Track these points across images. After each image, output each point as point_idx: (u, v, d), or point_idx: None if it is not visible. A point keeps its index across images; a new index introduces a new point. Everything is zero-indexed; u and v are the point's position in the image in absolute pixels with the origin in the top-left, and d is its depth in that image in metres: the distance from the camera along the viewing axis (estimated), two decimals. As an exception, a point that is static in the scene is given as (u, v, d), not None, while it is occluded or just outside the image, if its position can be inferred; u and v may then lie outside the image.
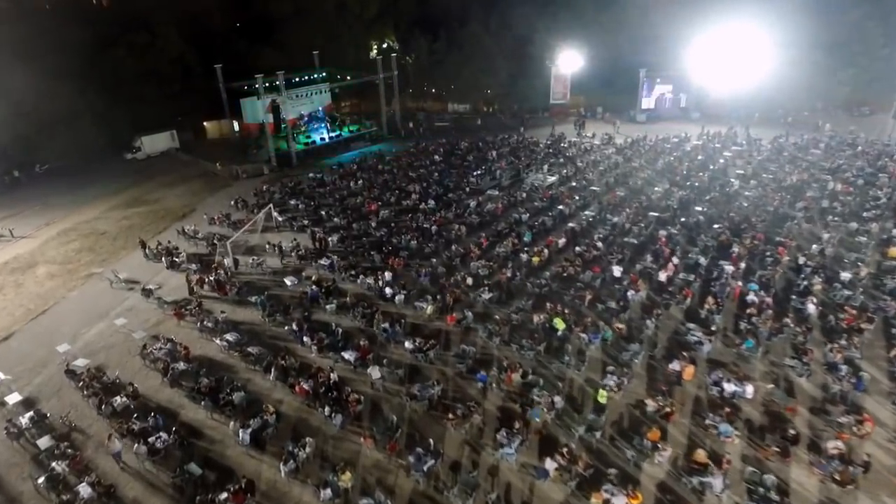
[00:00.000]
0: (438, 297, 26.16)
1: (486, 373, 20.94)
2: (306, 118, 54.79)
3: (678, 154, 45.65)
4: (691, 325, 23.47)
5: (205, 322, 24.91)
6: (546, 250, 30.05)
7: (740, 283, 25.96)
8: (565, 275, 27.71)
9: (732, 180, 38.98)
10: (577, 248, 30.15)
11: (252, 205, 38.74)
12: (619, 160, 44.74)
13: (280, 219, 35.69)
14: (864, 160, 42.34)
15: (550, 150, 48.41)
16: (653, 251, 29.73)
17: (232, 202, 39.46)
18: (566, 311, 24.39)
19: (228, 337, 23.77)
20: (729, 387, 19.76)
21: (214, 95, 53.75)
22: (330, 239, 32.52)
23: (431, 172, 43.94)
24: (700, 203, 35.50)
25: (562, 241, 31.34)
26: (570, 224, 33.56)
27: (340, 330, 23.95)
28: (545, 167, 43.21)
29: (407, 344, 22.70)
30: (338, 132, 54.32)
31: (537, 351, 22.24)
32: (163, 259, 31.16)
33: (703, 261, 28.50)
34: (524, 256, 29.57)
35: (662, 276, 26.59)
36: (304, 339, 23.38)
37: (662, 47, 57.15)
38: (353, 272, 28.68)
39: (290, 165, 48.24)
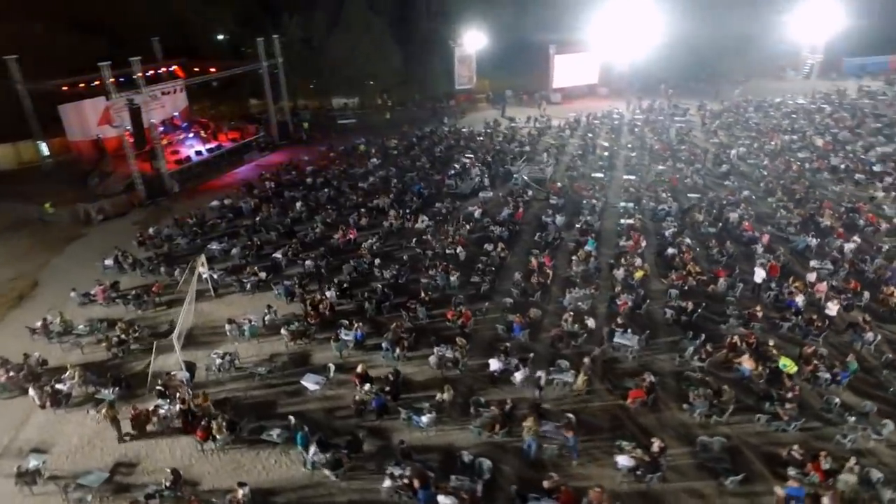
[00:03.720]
0: (565, 360, 17.10)
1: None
2: (161, 128, 39.29)
3: (638, 130, 41.90)
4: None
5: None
6: (639, 259, 22.54)
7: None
8: (699, 288, 20.63)
9: (731, 152, 35.58)
10: (671, 251, 23.23)
11: (153, 260, 24.53)
12: (589, 143, 38.99)
13: (214, 276, 22.57)
14: (806, 118, 43.07)
15: (503, 140, 41.01)
16: (746, 238, 24.25)
17: (108, 261, 24.58)
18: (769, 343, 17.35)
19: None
20: None
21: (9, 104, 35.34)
22: (328, 295, 20.85)
23: (389, 179, 33.36)
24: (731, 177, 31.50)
25: (643, 243, 24.08)
26: (625, 221, 26.46)
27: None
28: (523, 158, 35.54)
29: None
30: (216, 144, 39.95)
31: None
32: (30, 390, 16.62)
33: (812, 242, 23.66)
34: (620, 272, 21.67)
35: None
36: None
37: (569, 22, 53.52)
38: (405, 343, 17.93)
39: (166, 194, 33.37)
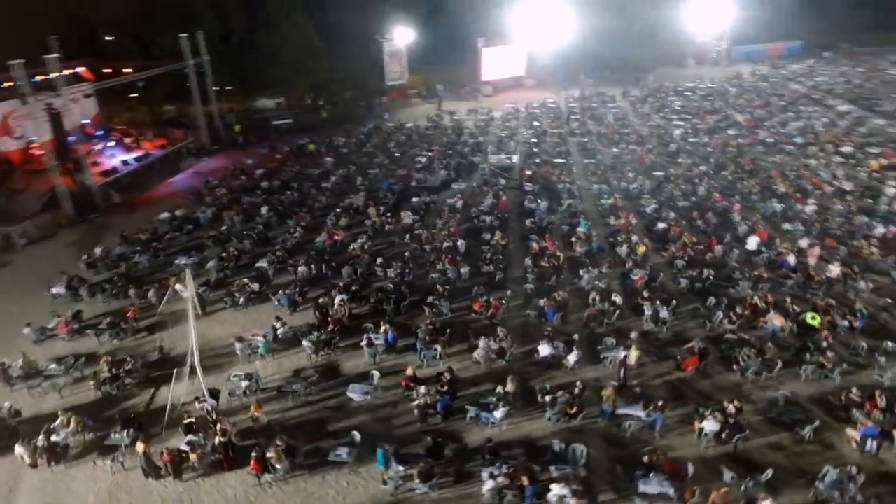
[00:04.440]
0: (610, 338, 17.13)
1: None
2: (71, 137, 34.66)
3: (579, 117, 43.37)
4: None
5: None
6: (636, 237, 23.12)
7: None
8: (698, 258, 21.53)
9: (675, 133, 37.72)
10: (661, 225, 24.08)
11: (115, 283, 21.40)
12: (538, 131, 39.67)
13: (198, 292, 20.11)
14: (721, 100, 46.88)
15: (451, 132, 40.71)
16: (720, 208, 25.74)
17: (57, 289, 21.11)
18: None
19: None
20: None
21: None
22: (337, 300, 19.25)
23: (352, 178, 31.75)
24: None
25: (633, 221, 24.75)
26: (606, 201, 27.09)
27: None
28: (489, 148, 35.42)
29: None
30: (144, 152, 35.88)
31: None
32: (17, 447, 13.71)
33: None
34: (623, 250, 22.11)
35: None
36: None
37: (494, 16, 54.24)
38: (444, 341, 17.01)
39: (97, 210, 29.41)
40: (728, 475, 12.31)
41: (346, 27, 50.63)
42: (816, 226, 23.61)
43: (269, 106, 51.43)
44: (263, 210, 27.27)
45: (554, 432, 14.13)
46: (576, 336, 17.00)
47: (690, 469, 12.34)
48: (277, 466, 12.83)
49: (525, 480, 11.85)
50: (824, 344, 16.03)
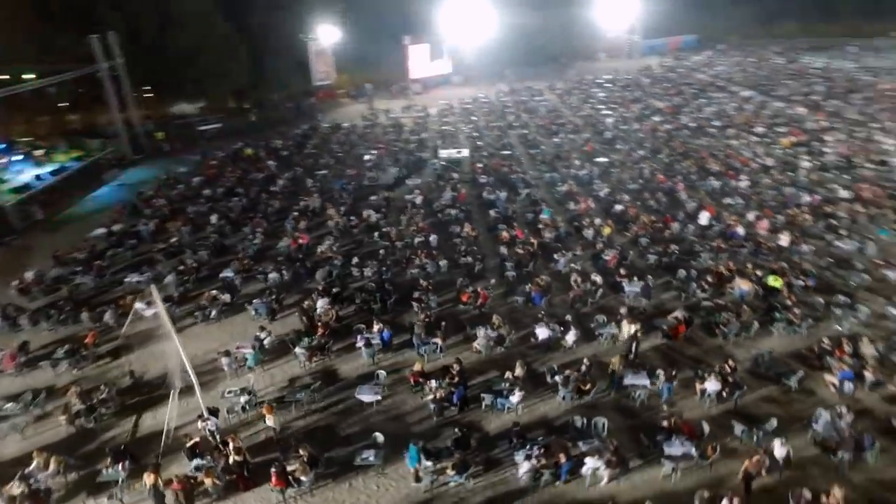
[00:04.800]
0: (602, 315, 17.79)
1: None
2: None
3: (514, 111, 44.54)
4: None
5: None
6: (598, 220, 24.11)
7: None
8: (658, 235, 22.82)
9: (608, 121, 39.66)
10: (618, 207, 25.26)
11: (62, 308, 19.27)
12: (477, 126, 40.28)
13: (161, 308, 18.59)
14: (639, 90, 49.92)
15: (391, 130, 40.40)
16: (666, 188, 27.41)
17: (-8, 320, 18.74)
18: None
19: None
20: None
21: None
22: (319, 304, 18.52)
23: (301, 180, 30.63)
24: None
25: (592, 205, 25.76)
26: (561, 188, 28.02)
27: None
28: (438, 143, 35.42)
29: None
30: (58, 165, 32.54)
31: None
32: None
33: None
34: (590, 232, 23.00)
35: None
36: None
37: (420, 13, 54.29)
38: (442, 334, 16.87)
39: (13, 232, 26.34)
40: (738, 429, 13.19)
41: (268, 27, 48.73)
42: (753, 199, 25.75)
43: (189, 111, 48.36)
44: (213, 218, 25.67)
45: (568, 410, 14.46)
46: (568, 317, 17.47)
47: (706, 428, 13.11)
48: (303, 479, 12.18)
49: (562, 457, 12.06)
50: (788, 302, 17.57)
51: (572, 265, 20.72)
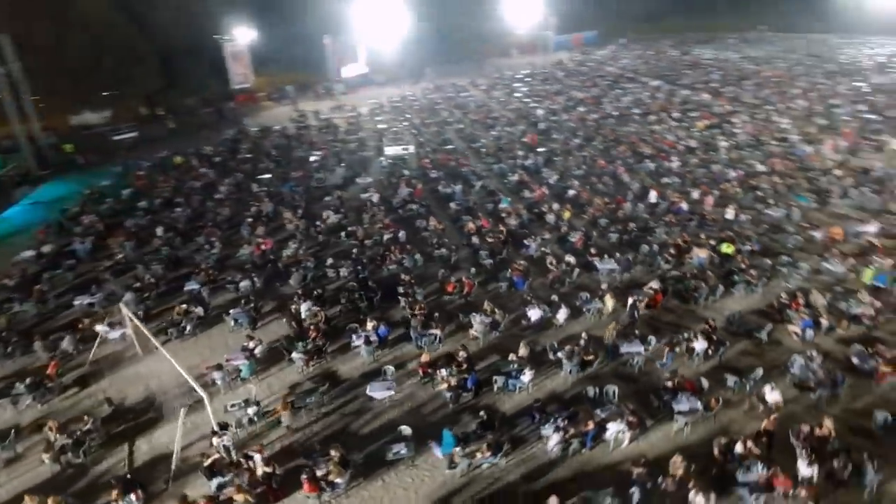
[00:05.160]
0: (585, 292, 18.72)
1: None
2: None
3: (445, 107, 45.13)
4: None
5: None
6: (556, 205, 25.16)
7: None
8: (612, 215, 24.23)
9: (538, 113, 41.26)
10: (571, 192, 26.51)
11: (7, 342, 17.21)
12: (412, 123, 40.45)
13: (119, 330, 17.25)
14: (558, 84, 52.34)
15: (326, 131, 39.57)
16: (609, 172, 29.10)
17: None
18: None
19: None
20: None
21: None
22: (303, 307, 17.95)
23: (244, 186, 29.28)
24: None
25: (546, 191, 26.78)
26: (512, 177, 28.88)
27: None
28: (383, 140, 35.10)
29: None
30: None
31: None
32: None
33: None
34: (551, 217, 23.98)
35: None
36: None
37: (339, 12, 53.44)
38: (440, 325, 16.97)
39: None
40: (731, 380, 14.46)
41: (177, 28, 45.89)
42: (688, 177, 28.00)
43: (94, 121, 44.35)
44: (159, 231, 23.95)
45: (574, 383, 15.14)
46: (554, 297, 18.21)
47: (706, 384, 14.26)
48: (338, 481, 11.88)
49: (590, 424, 12.67)
50: (742, 266, 19.41)
51: (543, 249, 21.53)
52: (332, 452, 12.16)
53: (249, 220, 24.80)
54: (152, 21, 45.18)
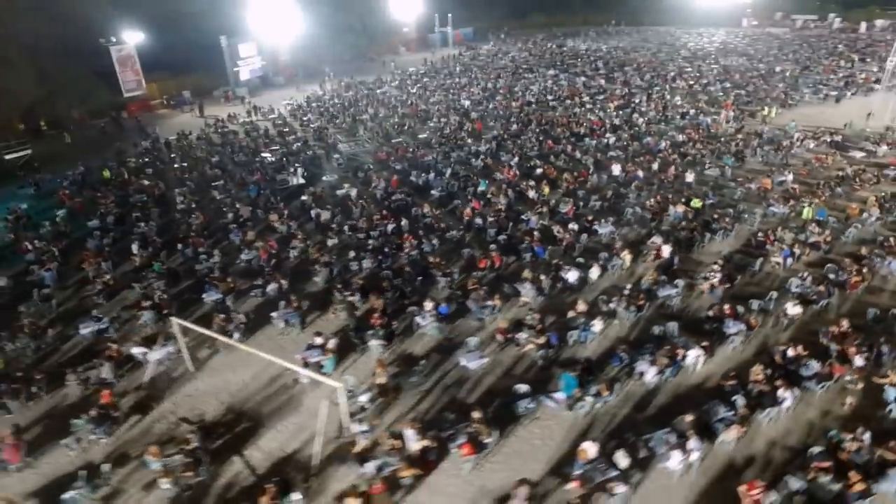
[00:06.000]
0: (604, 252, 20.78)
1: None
2: None
3: (370, 104, 45.20)
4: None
5: None
6: (532, 182, 27.04)
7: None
8: (582, 187, 26.73)
9: (465, 104, 43.02)
10: (538, 171, 28.55)
11: (32, 382, 14.89)
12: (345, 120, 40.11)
13: (163, 349, 15.97)
14: (465, 77, 54.68)
15: (256, 134, 37.79)
16: (559, 151, 31.67)
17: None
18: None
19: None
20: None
21: None
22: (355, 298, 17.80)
23: (202, 193, 27.31)
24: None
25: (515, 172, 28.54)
26: (476, 163, 30.23)
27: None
28: (336, 138, 34.40)
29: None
30: None
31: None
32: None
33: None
34: (533, 193, 25.79)
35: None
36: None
37: (233, 12, 50.55)
38: (496, 295, 17.90)
39: None
40: (755, 304, 17.22)
41: (54, 29, 40.43)
42: (630, 150, 31.44)
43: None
44: (134, 248, 21.75)
45: (631, 326, 17.02)
46: (580, 259, 19.98)
47: (740, 308, 16.84)
48: (488, 440, 12.51)
49: (680, 352, 14.57)
50: (715, 216, 22.75)
51: (541, 222, 23.24)
52: (475, 414, 12.70)
53: (232, 225, 23.43)
54: (20, 22, 39.28)
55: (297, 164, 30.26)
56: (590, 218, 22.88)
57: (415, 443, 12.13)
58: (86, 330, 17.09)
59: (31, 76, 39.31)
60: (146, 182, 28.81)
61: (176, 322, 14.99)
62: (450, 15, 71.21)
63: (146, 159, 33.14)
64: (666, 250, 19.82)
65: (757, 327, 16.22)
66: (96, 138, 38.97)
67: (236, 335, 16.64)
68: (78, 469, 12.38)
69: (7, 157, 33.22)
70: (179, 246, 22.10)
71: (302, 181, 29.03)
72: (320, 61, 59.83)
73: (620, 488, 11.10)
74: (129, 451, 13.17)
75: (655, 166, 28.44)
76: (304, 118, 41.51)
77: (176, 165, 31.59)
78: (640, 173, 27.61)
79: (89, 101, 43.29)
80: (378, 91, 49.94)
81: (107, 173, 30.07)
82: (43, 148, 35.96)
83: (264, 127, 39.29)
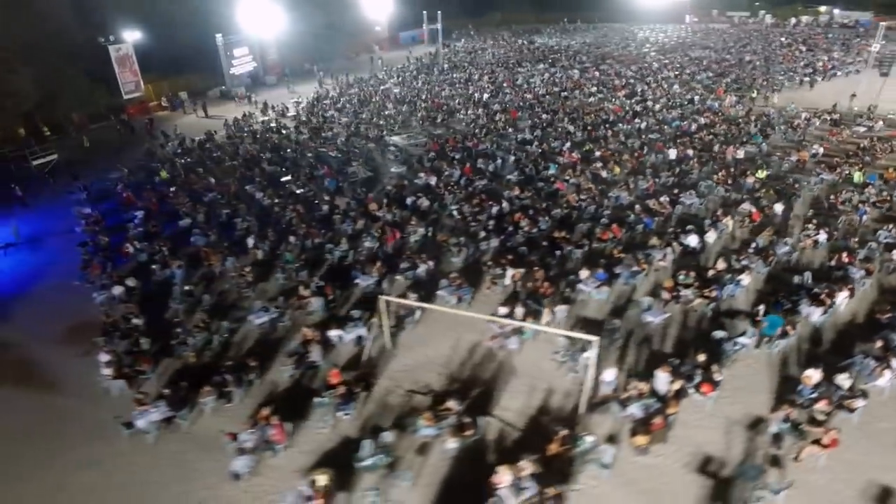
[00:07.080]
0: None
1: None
2: None
3: (378, 99, 45.55)
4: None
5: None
6: (598, 164, 28.76)
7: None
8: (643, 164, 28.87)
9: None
10: (597, 153, 30.29)
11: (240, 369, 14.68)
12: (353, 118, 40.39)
13: (355, 332, 16.25)
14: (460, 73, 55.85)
15: (292, 132, 37.32)
16: (601, 136, 33.62)
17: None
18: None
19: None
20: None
21: None
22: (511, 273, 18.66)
23: (273, 189, 27.05)
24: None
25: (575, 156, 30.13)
26: (532, 149, 31.63)
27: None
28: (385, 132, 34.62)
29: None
30: None
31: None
32: None
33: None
34: (604, 174, 27.53)
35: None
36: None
37: (226, 12, 49.03)
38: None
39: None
40: (862, 252, 19.68)
41: (52, 30, 37.94)
42: (667, 133, 33.78)
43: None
44: (250, 242, 21.49)
45: (765, 280, 18.99)
46: (690, 226, 21.78)
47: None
48: (720, 377, 13.93)
49: (844, 290, 16.71)
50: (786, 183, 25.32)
51: (630, 198, 24.92)
52: (700, 358, 14.09)
53: (336, 216, 23.55)
54: (13, 21, 36.48)
55: (360, 158, 30.41)
56: (675, 191, 24.82)
57: (667, 384, 13.34)
58: (258, 320, 16.96)
59: (28, 79, 36.75)
60: (212, 180, 28.00)
61: (383, 300, 15.33)
62: (424, 12, 71.90)
63: (187, 159, 31.98)
64: (778, 208, 22.19)
65: (875, 272, 18.61)
66: (114, 141, 36.92)
67: (418, 313, 17.11)
68: (358, 439, 12.63)
69: (35, 162, 31.03)
70: (292, 238, 21.96)
71: (370, 173, 29.30)
72: (305, 60, 59.18)
73: (859, 402, 12.84)
74: (379, 423, 13.47)
75: (695, 147, 30.92)
76: (326, 114, 41.10)
77: (227, 164, 30.80)
78: (690, 152, 29.94)
79: (89, 104, 40.80)
80: (382, 88, 50.05)
81: (164, 173, 28.92)
82: (63, 154, 33.65)
83: (294, 124, 38.69)
